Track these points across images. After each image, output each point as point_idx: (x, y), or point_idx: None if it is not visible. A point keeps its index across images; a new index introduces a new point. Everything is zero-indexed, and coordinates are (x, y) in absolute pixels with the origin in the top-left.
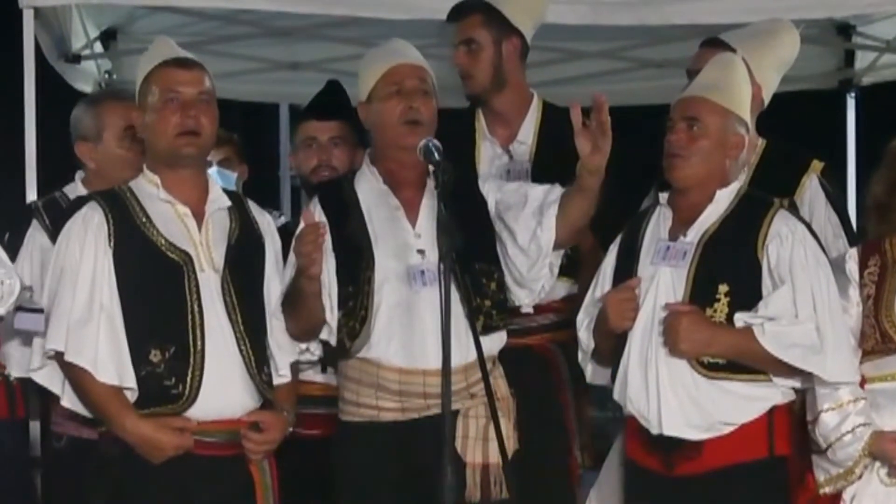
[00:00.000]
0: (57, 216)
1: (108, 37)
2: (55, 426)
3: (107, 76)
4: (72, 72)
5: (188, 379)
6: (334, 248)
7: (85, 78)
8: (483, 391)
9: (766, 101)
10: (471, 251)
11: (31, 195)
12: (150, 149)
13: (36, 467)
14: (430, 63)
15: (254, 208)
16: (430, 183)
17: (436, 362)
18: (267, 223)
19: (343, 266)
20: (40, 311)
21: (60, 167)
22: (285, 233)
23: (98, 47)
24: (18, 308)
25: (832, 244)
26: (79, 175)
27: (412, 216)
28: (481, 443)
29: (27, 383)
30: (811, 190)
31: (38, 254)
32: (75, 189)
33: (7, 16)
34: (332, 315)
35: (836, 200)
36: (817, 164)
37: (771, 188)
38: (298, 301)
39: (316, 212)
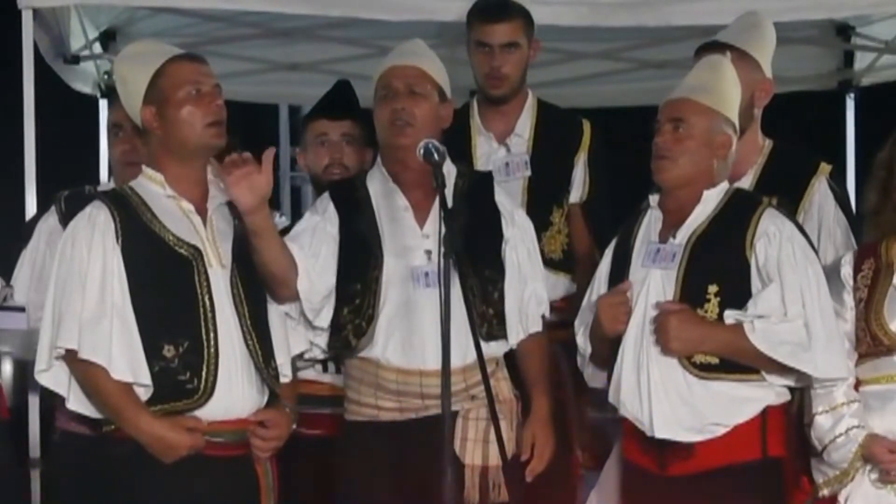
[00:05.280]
0: (75, 207)
1: (107, 38)
2: (59, 422)
3: (106, 77)
4: (70, 73)
5: (203, 373)
6: (344, 244)
7: (84, 79)
8: (484, 393)
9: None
10: (481, 256)
11: (31, 195)
12: (166, 142)
13: (35, 467)
14: None
15: None
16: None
17: (433, 363)
18: None
19: (351, 263)
20: (21, 309)
21: (59, 168)
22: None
23: (97, 48)
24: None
25: (842, 246)
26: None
27: (421, 217)
28: (481, 445)
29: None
30: (820, 193)
31: (46, 235)
32: (108, 186)
33: (6, 16)
34: (308, 281)
35: (845, 203)
36: (825, 167)
37: (778, 190)
38: (252, 246)
39: (328, 208)
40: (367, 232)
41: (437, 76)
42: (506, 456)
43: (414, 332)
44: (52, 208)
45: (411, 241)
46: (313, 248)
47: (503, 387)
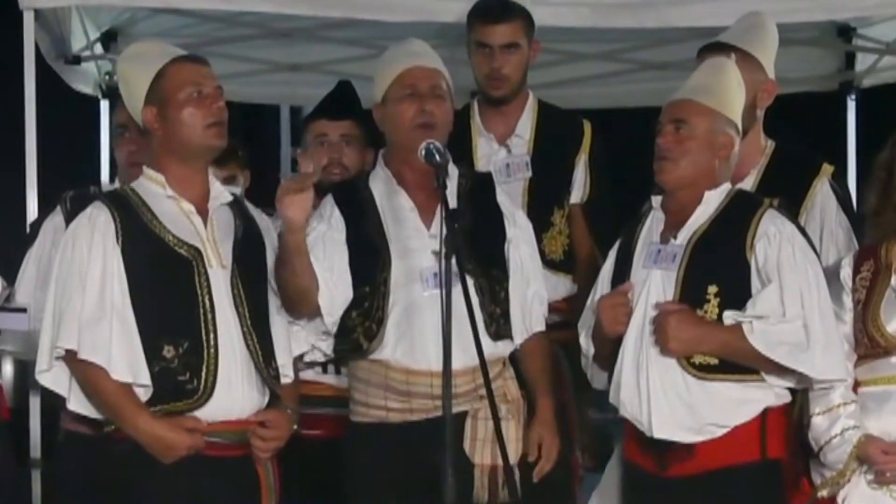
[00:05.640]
0: (80, 208)
1: (108, 38)
2: (63, 423)
3: (107, 77)
4: (71, 73)
5: (203, 374)
6: (351, 247)
7: (85, 79)
8: (494, 393)
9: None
10: (487, 256)
11: (31, 195)
12: (167, 143)
13: (35, 467)
14: None
15: (251, 207)
16: (449, 185)
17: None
18: (265, 221)
19: (358, 266)
20: (22, 310)
21: (60, 168)
22: None
23: (98, 49)
24: (1, 308)
25: (844, 248)
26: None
27: (427, 218)
28: (490, 444)
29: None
30: (822, 194)
31: (52, 235)
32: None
33: (7, 17)
34: (329, 296)
35: (848, 204)
36: (827, 168)
37: (780, 191)
38: (283, 259)
39: (333, 213)
40: (374, 234)
41: (449, 80)
42: (507, 456)
43: (423, 332)
44: (58, 208)
45: (418, 242)
46: (328, 261)
47: (511, 386)
